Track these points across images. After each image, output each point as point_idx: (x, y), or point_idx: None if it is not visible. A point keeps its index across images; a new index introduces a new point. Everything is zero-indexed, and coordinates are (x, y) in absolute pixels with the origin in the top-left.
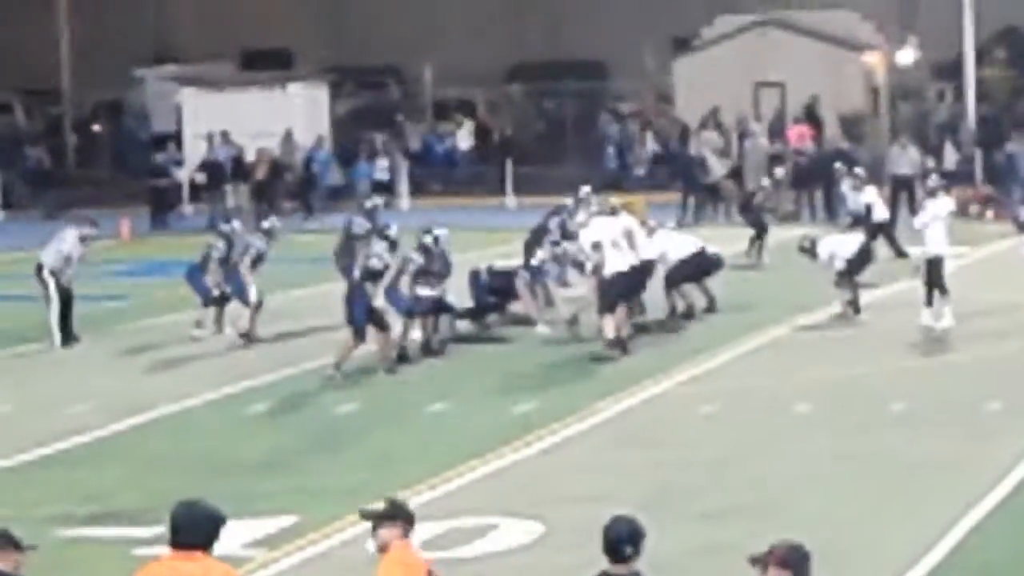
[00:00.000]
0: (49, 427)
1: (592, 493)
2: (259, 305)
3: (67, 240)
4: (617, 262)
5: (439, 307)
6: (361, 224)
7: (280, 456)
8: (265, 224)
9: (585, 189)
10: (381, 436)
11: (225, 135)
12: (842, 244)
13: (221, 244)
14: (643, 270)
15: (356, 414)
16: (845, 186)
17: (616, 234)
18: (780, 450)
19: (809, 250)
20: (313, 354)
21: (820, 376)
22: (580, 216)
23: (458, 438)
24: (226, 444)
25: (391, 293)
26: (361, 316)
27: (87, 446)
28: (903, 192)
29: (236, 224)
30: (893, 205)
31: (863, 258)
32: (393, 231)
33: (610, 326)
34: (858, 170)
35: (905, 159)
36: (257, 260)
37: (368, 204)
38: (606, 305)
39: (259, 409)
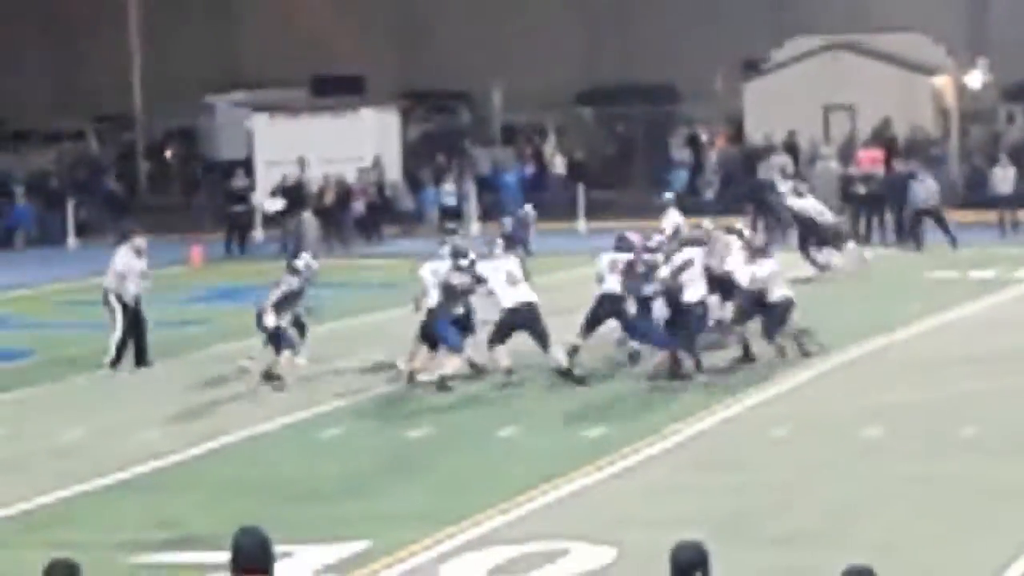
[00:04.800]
0: (123, 452)
1: (664, 517)
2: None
3: (118, 258)
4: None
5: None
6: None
7: (352, 481)
8: (298, 263)
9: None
10: (452, 461)
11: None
12: (772, 274)
13: (294, 280)
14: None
15: (427, 439)
16: None
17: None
18: (851, 474)
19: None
20: (383, 379)
21: (891, 399)
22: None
23: (529, 462)
24: (298, 469)
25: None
26: (450, 334)
27: (161, 471)
28: (1007, 212)
29: (311, 260)
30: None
31: (786, 308)
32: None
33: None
34: None
35: (1005, 179)
36: (289, 297)
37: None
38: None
39: (331, 434)
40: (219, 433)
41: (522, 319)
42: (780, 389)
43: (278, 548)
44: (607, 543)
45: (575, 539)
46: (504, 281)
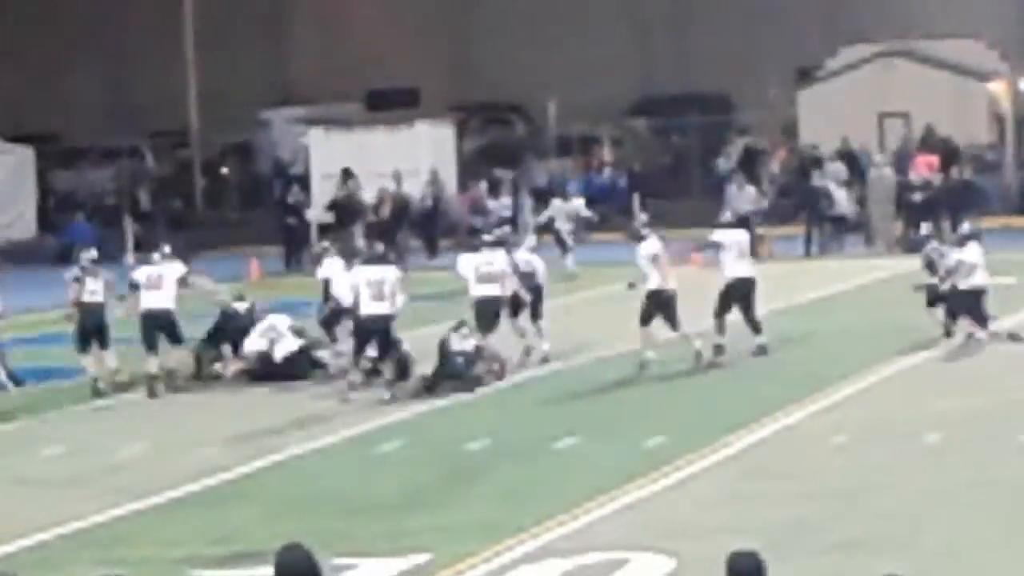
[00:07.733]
0: (184, 467)
1: (723, 526)
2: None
3: None
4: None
5: None
6: None
7: (411, 494)
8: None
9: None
10: (511, 472)
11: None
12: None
13: None
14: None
15: (486, 450)
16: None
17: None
18: (911, 480)
19: None
20: (441, 391)
21: (951, 405)
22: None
23: (588, 473)
24: (357, 483)
25: None
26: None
27: (220, 486)
28: None
29: None
30: None
31: None
32: None
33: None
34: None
35: None
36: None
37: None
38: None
39: (389, 447)
40: (276, 448)
41: None
42: (840, 396)
43: (340, 561)
44: (666, 553)
45: (634, 549)
46: None
